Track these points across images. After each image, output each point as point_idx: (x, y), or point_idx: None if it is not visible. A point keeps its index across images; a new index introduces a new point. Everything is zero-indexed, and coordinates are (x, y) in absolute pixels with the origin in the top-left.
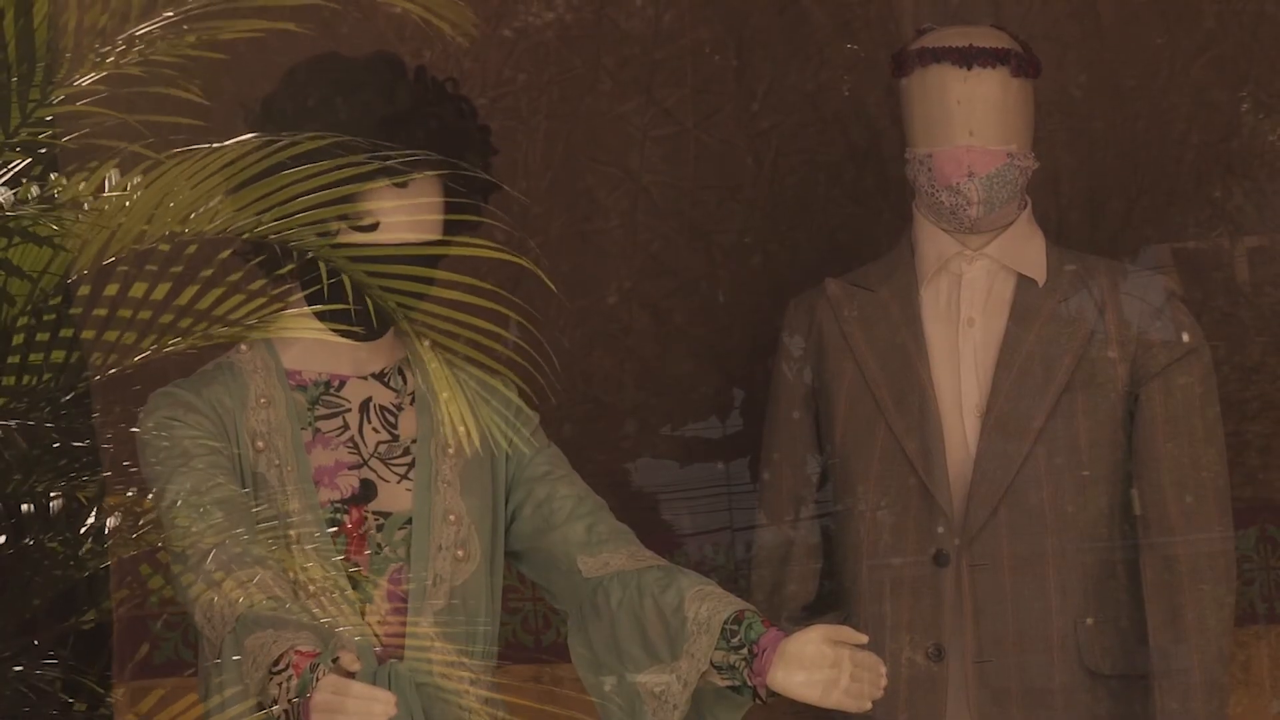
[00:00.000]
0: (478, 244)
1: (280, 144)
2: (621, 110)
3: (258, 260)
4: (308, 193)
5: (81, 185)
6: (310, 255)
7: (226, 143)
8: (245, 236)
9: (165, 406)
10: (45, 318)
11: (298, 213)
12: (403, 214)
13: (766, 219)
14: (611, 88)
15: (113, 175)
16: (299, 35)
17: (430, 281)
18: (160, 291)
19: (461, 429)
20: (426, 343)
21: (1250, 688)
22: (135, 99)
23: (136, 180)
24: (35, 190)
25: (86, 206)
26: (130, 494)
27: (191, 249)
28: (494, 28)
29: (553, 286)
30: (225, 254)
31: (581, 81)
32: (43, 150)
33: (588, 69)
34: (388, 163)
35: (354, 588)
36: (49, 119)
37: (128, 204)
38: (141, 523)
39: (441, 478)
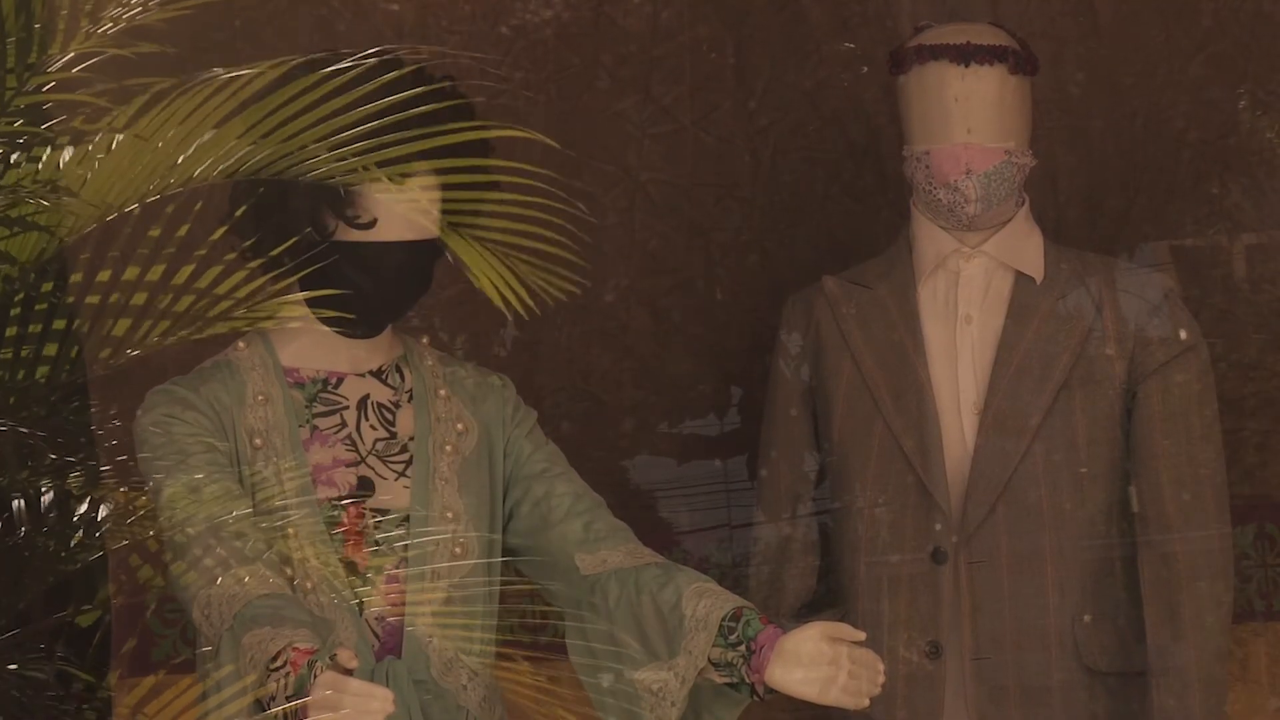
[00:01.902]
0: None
1: (251, 73)
2: (619, 108)
3: (249, 244)
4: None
5: (47, 156)
6: (303, 240)
7: (196, 80)
8: (239, 176)
9: (163, 404)
10: (38, 308)
11: (301, 151)
12: (401, 210)
13: (764, 216)
14: (609, 85)
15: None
16: (297, 33)
17: (429, 280)
18: (155, 272)
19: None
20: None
21: (1248, 685)
22: (120, 93)
23: (101, 136)
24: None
25: (62, 162)
26: (124, 488)
27: (182, 231)
28: (492, 25)
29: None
30: (218, 234)
31: (579, 79)
32: (21, 140)
33: (585, 66)
34: (385, 157)
35: (352, 584)
36: (25, 106)
37: (98, 161)
38: (130, 514)
39: (439, 475)
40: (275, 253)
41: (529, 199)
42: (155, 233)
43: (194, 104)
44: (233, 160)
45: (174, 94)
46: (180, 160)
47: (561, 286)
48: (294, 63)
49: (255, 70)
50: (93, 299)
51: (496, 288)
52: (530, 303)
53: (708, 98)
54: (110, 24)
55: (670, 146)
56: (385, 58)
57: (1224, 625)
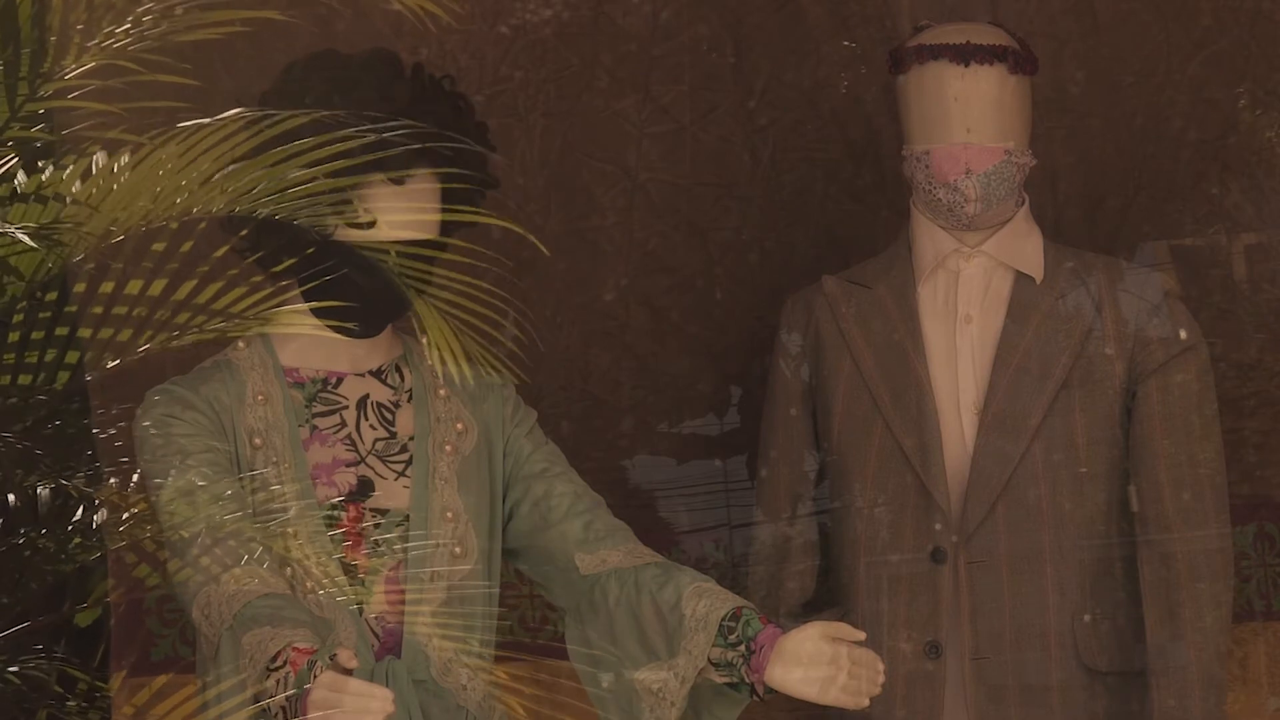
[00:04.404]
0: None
1: (269, 119)
2: (619, 107)
3: (254, 258)
4: (304, 167)
5: (66, 173)
6: (310, 251)
7: (210, 119)
8: (238, 212)
9: (163, 404)
10: (41, 315)
11: (293, 189)
12: (400, 211)
13: (764, 216)
14: (609, 85)
15: (99, 158)
16: (296, 32)
17: (429, 279)
18: (156, 288)
19: (449, 359)
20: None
21: (1247, 685)
22: (129, 91)
23: (124, 161)
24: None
25: (76, 188)
26: (125, 489)
27: (186, 246)
28: (491, 24)
29: (544, 249)
30: (220, 251)
31: (579, 79)
32: (38, 144)
33: (585, 66)
34: (385, 157)
35: (351, 584)
36: (40, 112)
37: (115, 186)
38: (127, 516)
39: (439, 475)
40: (280, 268)
41: (475, 277)
42: (160, 246)
43: (208, 138)
44: (235, 193)
45: (183, 132)
46: (185, 195)
47: (500, 369)
48: (291, 112)
49: (279, 115)
50: (96, 309)
51: (441, 353)
52: (469, 375)
53: (707, 97)
54: (125, 40)
55: (670, 146)
56: (383, 60)
57: (1223, 625)
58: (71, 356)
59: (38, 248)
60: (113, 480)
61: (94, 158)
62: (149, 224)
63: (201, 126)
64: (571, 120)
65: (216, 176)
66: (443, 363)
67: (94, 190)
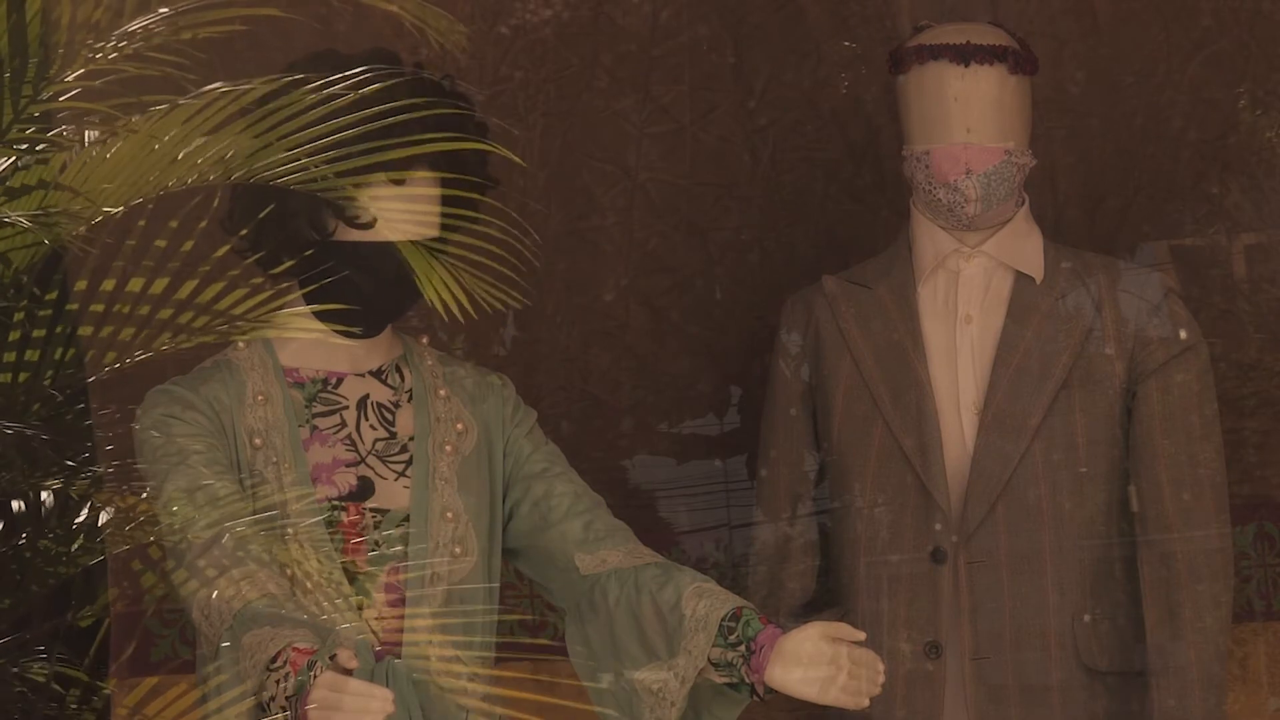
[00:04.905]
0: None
1: (245, 89)
2: (619, 107)
3: (254, 258)
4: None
5: (52, 160)
6: (309, 252)
7: (190, 95)
8: (234, 179)
9: (162, 404)
10: (41, 313)
11: (288, 149)
12: (400, 211)
13: (764, 216)
14: (609, 85)
15: (89, 135)
16: (296, 31)
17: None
18: (157, 287)
19: (449, 300)
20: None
21: (1247, 685)
22: (124, 91)
23: (109, 141)
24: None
25: (63, 169)
26: (125, 490)
27: (187, 246)
28: (491, 25)
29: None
30: (221, 251)
31: (578, 79)
32: (28, 145)
33: (585, 66)
34: (385, 154)
35: (352, 585)
36: (39, 115)
37: (108, 156)
38: (129, 518)
39: (439, 475)
40: (279, 270)
41: (485, 217)
42: (162, 243)
43: (190, 110)
44: (228, 162)
45: (172, 106)
46: (174, 162)
47: (504, 299)
48: (288, 78)
49: (251, 85)
50: (97, 308)
51: (440, 296)
52: (470, 310)
53: (707, 97)
54: (125, 43)
55: (669, 146)
56: (383, 59)
57: (1223, 625)
58: (72, 356)
59: (32, 228)
60: (114, 482)
61: (82, 138)
62: (144, 195)
63: (180, 105)
64: (571, 120)
65: (198, 143)
66: (444, 305)
67: (82, 164)
